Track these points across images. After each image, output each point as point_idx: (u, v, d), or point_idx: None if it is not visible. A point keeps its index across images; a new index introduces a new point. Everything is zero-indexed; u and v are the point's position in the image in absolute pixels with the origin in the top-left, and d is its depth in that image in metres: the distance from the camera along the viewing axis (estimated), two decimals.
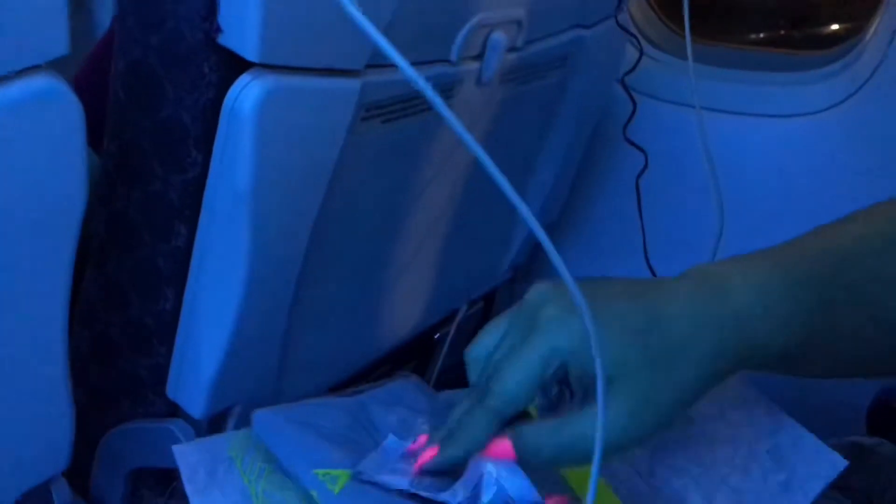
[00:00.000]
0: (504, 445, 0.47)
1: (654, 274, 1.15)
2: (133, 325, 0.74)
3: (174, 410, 0.76)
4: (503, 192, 0.39)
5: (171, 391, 0.74)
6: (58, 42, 0.49)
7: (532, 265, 1.26)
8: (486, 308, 1.26)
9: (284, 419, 0.56)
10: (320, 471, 0.51)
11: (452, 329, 1.14)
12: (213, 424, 0.77)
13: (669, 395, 0.46)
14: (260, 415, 0.57)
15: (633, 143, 1.14)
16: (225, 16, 0.58)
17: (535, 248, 1.22)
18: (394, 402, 0.63)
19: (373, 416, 0.60)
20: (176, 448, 0.55)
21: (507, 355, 0.48)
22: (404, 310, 1.00)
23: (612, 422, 0.44)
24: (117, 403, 0.78)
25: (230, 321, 0.68)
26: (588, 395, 0.46)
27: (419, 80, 0.38)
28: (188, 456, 0.55)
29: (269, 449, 0.54)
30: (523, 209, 0.39)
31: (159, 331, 0.73)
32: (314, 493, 0.50)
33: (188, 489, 0.53)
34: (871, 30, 1.24)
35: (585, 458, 0.44)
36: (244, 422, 0.74)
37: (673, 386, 0.46)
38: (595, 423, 0.43)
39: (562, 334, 0.46)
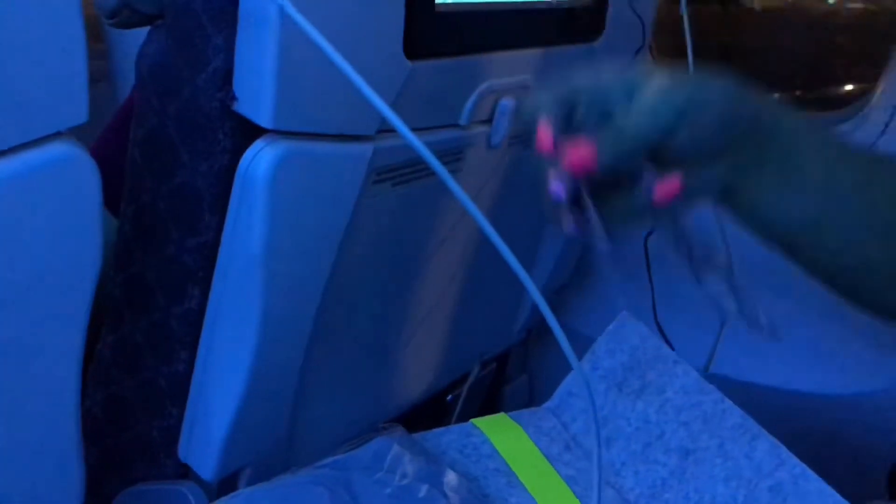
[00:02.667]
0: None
1: (662, 333, 1.15)
2: (146, 386, 0.74)
3: (185, 472, 0.76)
4: (506, 260, 0.40)
5: (183, 453, 0.74)
6: (77, 110, 0.51)
7: (545, 326, 1.26)
8: (500, 369, 1.26)
9: (269, 500, 0.55)
10: None
11: (465, 390, 1.14)
12: (224, 486, 0.77)
13: None
14: (240, 499, 0.56)
15: None
16: (240, 84, 0.60)
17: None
18: (377, 466, 0.60)
19: (356, 489, 0.58)
20: None
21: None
22: (416, 371, 1.00)
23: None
24: (129, 465, 0.78)
25: (241, 383, 0.69)
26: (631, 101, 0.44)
27: (422, 148, 0.40)
28: None
29: None
30: (522, 274, 0.40)
31: (172, 392, 0.73)
32: None
33: None
34: (880, 89, 1.25)
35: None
36: (254, 484, 0.74)
37: None
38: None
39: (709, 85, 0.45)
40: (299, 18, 0.48)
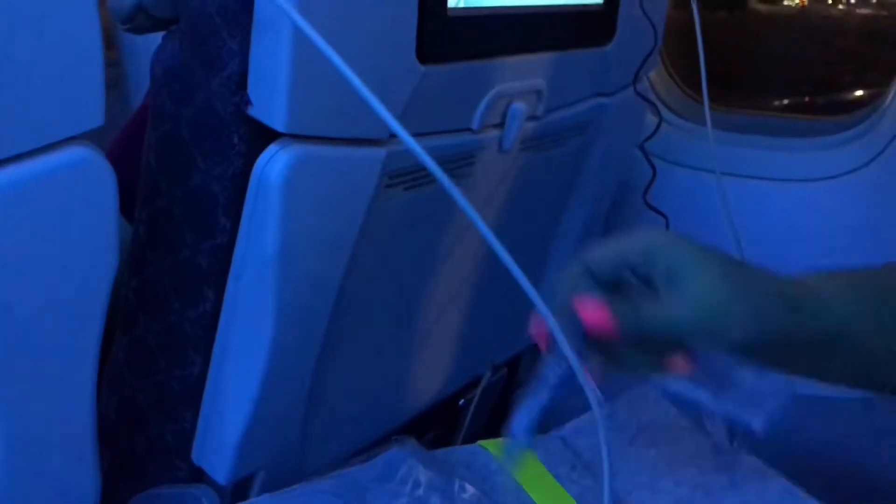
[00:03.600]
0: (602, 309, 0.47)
1: None
2: (160, 390, 0.75)
3: (199, 476, 0.76)
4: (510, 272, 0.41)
5: (197, 456, 0.74)
6: (94, 114, 0.51)
7: None
8: (511, 374, 1.26)
9: None
10: None
11: (477, 395, 1.14)
12: (238, 490, 0.77)
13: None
14: None
15: (653, 208, 1.15)
16: (254, 89, 0.60)
17: None
18: (390, 477, 0.61)
19: (369, 499, 0.58)
20: None
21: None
22: (428, 376, 1.00)
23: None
24: (143, 468, 0.78)
25: (255, 386, 0.69)
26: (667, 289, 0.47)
27: (429, 162, 0.40)
28: None
29: None
30: (528, 288, 0.40)
31: (186, 396, 0.73)
32: None
33: None
34: (890, 95, 1.25)
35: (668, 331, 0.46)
36: (268, 487, 0.74)
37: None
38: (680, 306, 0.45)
39: (653, 235, 0.48)
40: (307, 28, 0.48)
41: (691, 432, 0.69)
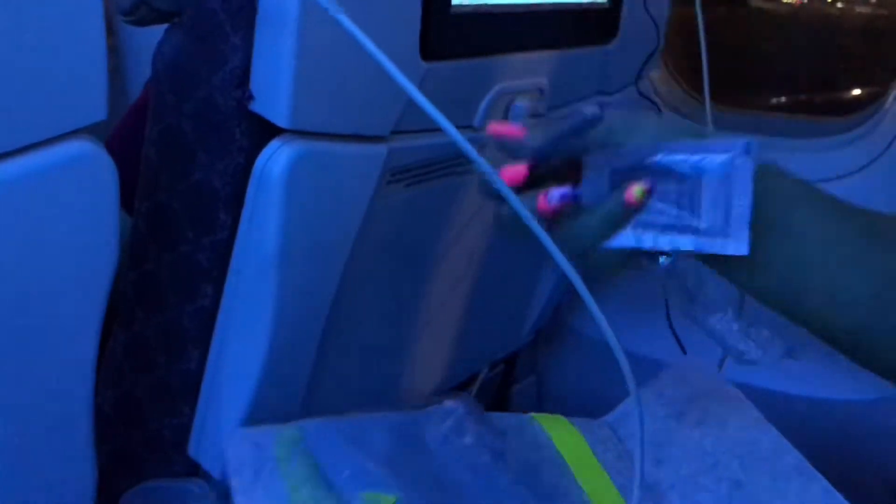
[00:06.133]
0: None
1: (676, 338, 1.15)
2: (157, 384, 0.74)
3: (195, 470, 0.76)
4: (547, 250, 0.40)
5: (193, 450, 0.74)
6: (97, 108, 0.51)
7: (553, 328, 1.26)
8: (508, 371, 1.26)
9: (336, 433, 0.55)
10: (368, 494, 0.50)
11: (474, 392, 1.14)
12: None
13: None
14: (311, 427, 0.56)
15: None
16: (257, 84, 0.60)
17: (557, 312, 1.22)
18: (445, 425, 0.62)
19: (423, 440, 0.59)
20: (227, 435, 0.55)
21: None
22: (425, 372, 1.00)
23: None
24: (139, 462, 0.78)
25: (253, 381, 0.69)
26: None
27: (463, 141, 0.40)
28: (237, 447, 0.55)
29: (317, 462, 0.54)
30: (562, 262, 0.39)
31: (183, 390, 0.73)
32: None
33: (233, 482, 0.53)
34: (891, 97, 1.25)
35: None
36: None
37: None
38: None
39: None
40: (351, 27, 0.48)
41: (738, 404, 0.68)
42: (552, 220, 0.45)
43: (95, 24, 0.49)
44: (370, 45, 0.43)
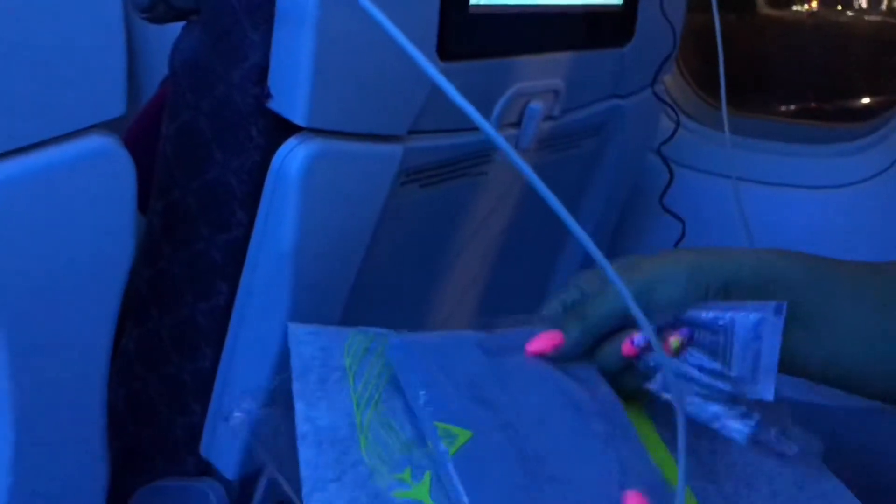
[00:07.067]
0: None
1: None
2: (170, 382, 0.74)
3: (206, 469, 0.76)
4: (576, 236, 0.40)
5: (205, 450, 0.74)
6: (116, 103, 0.51)
7: None
8: None
9: (421, 354, 0.52)
10: (442, 424, 0.47)
11: None
12: (245, 485, 0.77)
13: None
14: (397, 343, 0.52)
15: (670, 212, 1.14)
16: (275, 81, 0.60)
17: None
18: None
19: (513, 364, 0.55)
20: (291, 326, 0.52)
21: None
22: None
23: None
24: (151, 461, 0.78)
25: (266, 380, 0.68)
26: None
27: (498, 137, 0.39)
28: (302, 346, 0.51)
29: (398, 380, 0.50)
30: (589, 244, 0.40)
31: (196, 389, 0.73)
32: (430, 445, 0.46)
33: (296, 386, 0.48)
34: None
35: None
36: (276, 484, 0.73)
37: None
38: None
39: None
40: (392, 29, 0.48)
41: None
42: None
43: (115, 17, 0.49)
44: (393, 30, 0.43)
